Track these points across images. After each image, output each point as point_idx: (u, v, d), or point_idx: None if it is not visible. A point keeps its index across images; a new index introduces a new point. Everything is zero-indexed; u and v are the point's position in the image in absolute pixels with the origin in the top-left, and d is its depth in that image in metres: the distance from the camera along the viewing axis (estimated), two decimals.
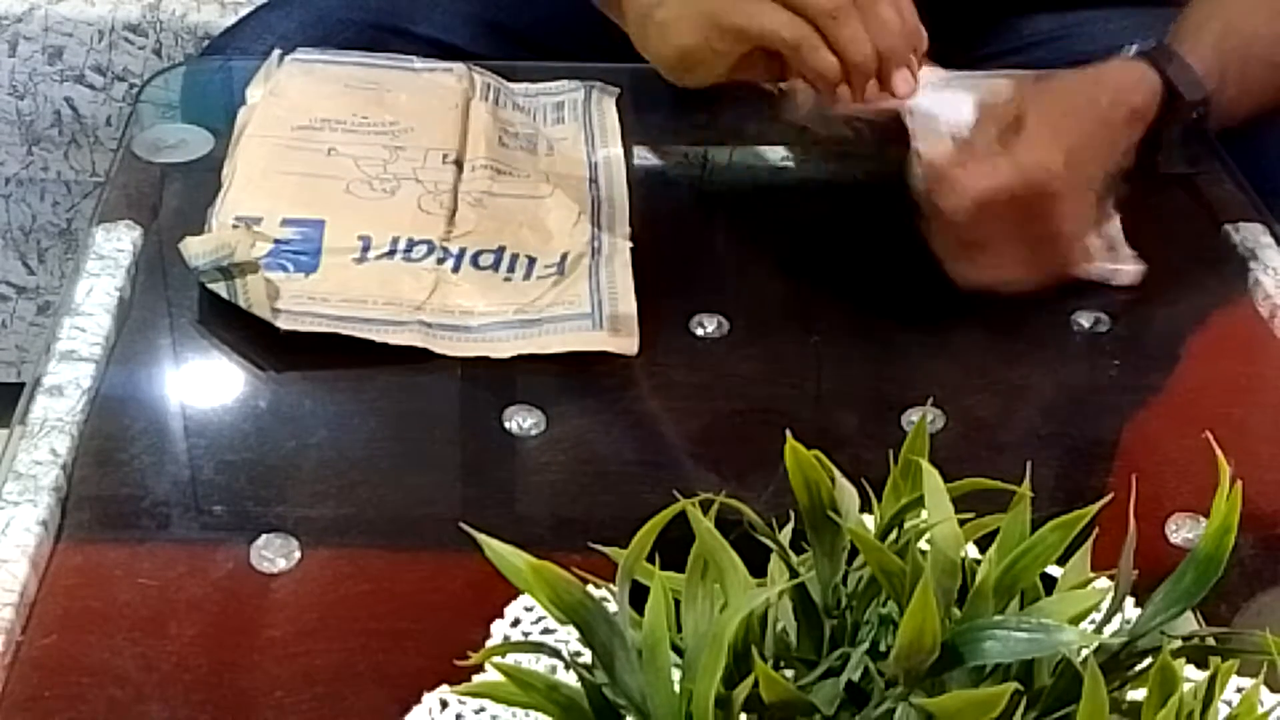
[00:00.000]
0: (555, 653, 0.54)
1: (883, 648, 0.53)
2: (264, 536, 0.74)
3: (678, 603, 0.52)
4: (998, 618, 0.51)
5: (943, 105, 0.92)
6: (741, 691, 0.49)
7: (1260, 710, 0.51)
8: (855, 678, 0.52)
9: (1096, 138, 0.93)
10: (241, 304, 0.86)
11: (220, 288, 0.87)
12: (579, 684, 0.52)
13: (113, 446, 0.80)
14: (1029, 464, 0.55)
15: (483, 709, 0.66)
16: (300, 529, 0.75)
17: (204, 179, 0.98)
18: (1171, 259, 0.99)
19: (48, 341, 0.85)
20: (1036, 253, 0.91)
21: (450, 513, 0.78)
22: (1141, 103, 0.96)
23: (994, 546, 0.54)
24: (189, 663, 0.68)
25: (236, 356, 0.86)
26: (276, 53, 1.08)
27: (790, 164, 1.04)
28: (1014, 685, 0.48)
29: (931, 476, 0.52)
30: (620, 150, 1.03)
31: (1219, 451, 0.54)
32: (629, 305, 0.89)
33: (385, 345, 0.86)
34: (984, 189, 0.88)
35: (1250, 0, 1.02)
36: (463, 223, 0.95)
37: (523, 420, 0.83)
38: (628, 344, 0.87)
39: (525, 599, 0.69)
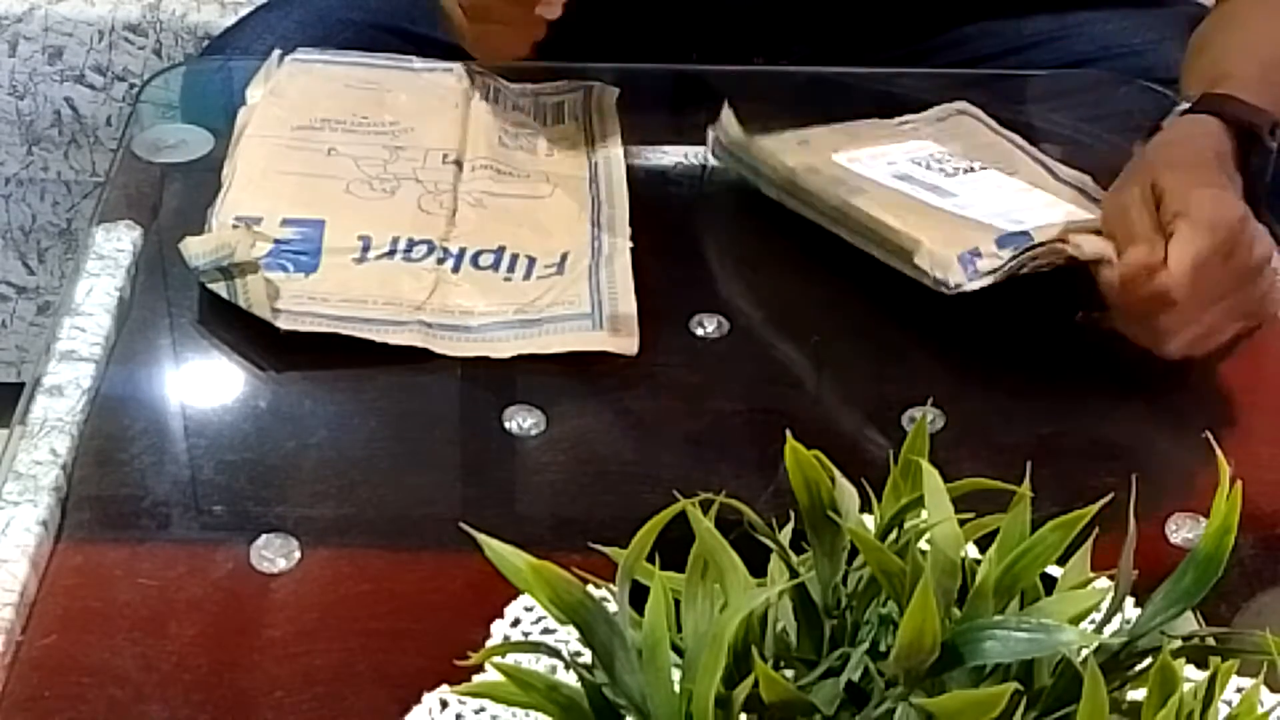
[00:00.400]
0: (555, 653, 0.54)
1: (883, 648, 0.53)
2: (264, 536, 0.74)
3: (678, 603, 0.52)
4: (998, 618, 0.51)
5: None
6: (741, 691, 0.49)
7: (1260, 710, 0.51)
8: (855, 678, 0.52)
9: (1222, 174, 0.90)
10: (241, 304, 0.86)
11: (220, 288, 0.87)
12: (579, 684, 0.52)
13: (113, 446, 0.80)
14: (1029, 464, 0.55)
15: (483, 709, 0.66)
16: (300, 529, 0.75)
17: (204, 179, 0.98)
18: None
19: (48, 341, 0.85)
20: (1245, 294, 0.87)
21: (450, 513, 0.78)
22: (1221, 145, 0.93)
23: (994, 546, 0.54)
24: (189, 663, 0.68)
25: (236, 356, 0.86)
26: (276, 53, 1.08)
27: None
28: (1014, 685, 0.48)
29: (931, 476, 0.52)
30: (620, 150, 1.03)
31: (1219, 451, 0.54)
32: (629, 305, 0.89)
33: (385, 345, 0.86)
34: (1193, 257, 0.83)
35: (1264, 26, 1.01)
36: (463, 223, 0.95)
37: (523, 420, 0.83)
38: (628, 344, 0.87)
39: (525, 599, 0.69)
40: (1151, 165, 0.91)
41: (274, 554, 0.74)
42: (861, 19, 1.19)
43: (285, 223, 0.93)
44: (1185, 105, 0.96)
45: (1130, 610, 0.55)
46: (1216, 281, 0.84)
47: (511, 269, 0.92)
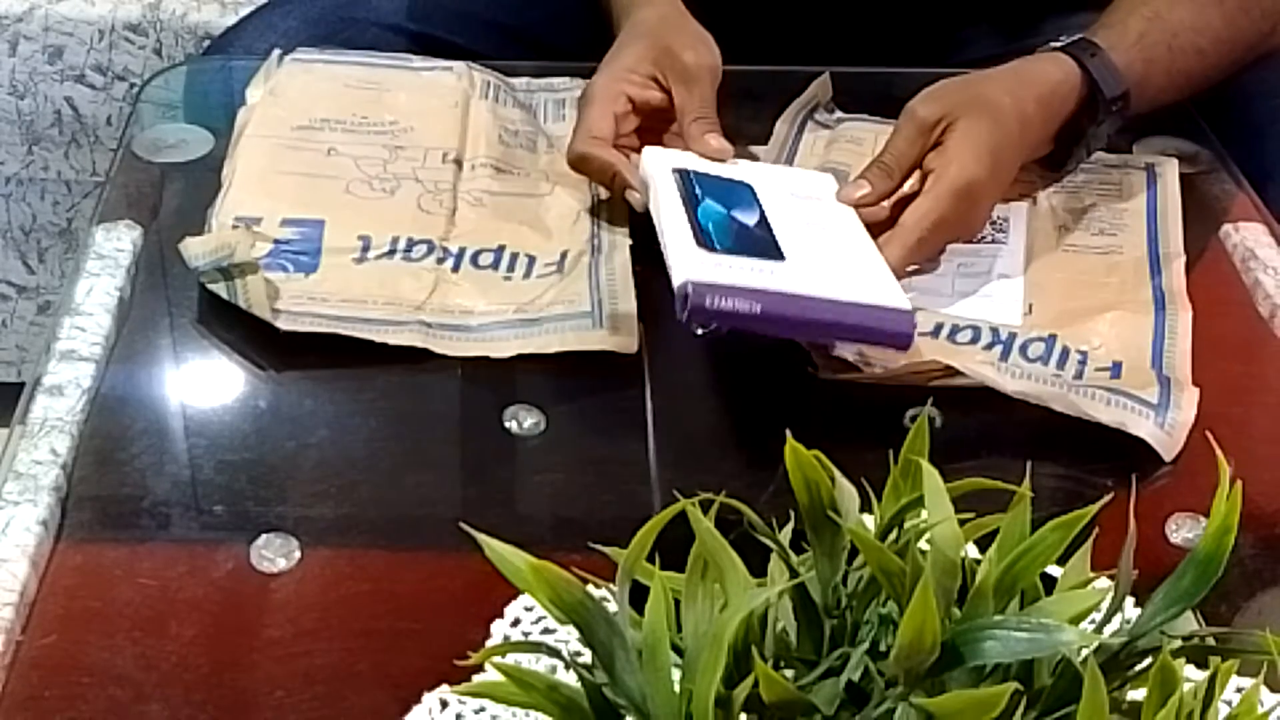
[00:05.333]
0: (555, 653, 0.54)
1: (883, 648, 0.53)
2: (264, 536, 0.74)
3: (678, 603, 0.52)
4: (998, 618, 0.51)
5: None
6: (741, 691, 0.49)
7: (1260, 710, 0.51)
8: (855, 678, 0.52)
9: (1015, 138, 0.96)
10: (241, 304, 0.86)
11: (220, 288, 0.87)
12: (579, 684, 0.52)
13: (113, 446, 0.80)
14: (1029, 464, 0.55)
15: (483, 709, 0.66)
16: (300, 529, 0.75)
17: (204, 179, 0.98)
18: None
19: (48, 341, 0.85)
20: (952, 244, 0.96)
21: (450, 513, 0.78)
22: (1061, 103, 0.99)
23: (994, 546, 0.54)
24: (189, 663, 0.68)
25: (236, 356, 0.86)
26: (276, 52, 1.08)
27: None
28: (1014, 685, 0.48)
29: (931, 476, 0.52)
30: None
31: (1219, 451, 0.54)
32: (629, 304, 0.89)
33: (385, 345, 0.86)
34: (928, 225, 0.91)
35: None
36: (463, 222, 0.95)
37: (523, 420, 0.83)
38: (628, 343, 0.87)
39: (525, 599, 0.69)
40: (965, 97, 0.96)
41: (274, 554, 0.74)
42: (863, 19, 1.19)
43: (285, 223, 0.93)
44: (1058, 43, 1.01)
45: (1130, 610, 0.55)
46: (937, 240, 0.93)
47: (511, 268, 0.92)
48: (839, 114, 1.07)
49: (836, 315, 0.83)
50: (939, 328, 0.89)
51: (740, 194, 0.91)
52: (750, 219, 0.89)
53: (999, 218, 0.98)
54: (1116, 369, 0.86)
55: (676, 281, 0.81)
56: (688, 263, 0.82)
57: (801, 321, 0.83)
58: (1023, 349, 0.87)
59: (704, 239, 0.85)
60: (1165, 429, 0.81)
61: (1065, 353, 0.87)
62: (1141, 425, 0.81)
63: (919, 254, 0.92)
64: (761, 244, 0.86)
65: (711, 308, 0.80)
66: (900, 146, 0.94)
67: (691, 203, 0.88)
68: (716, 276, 0.81)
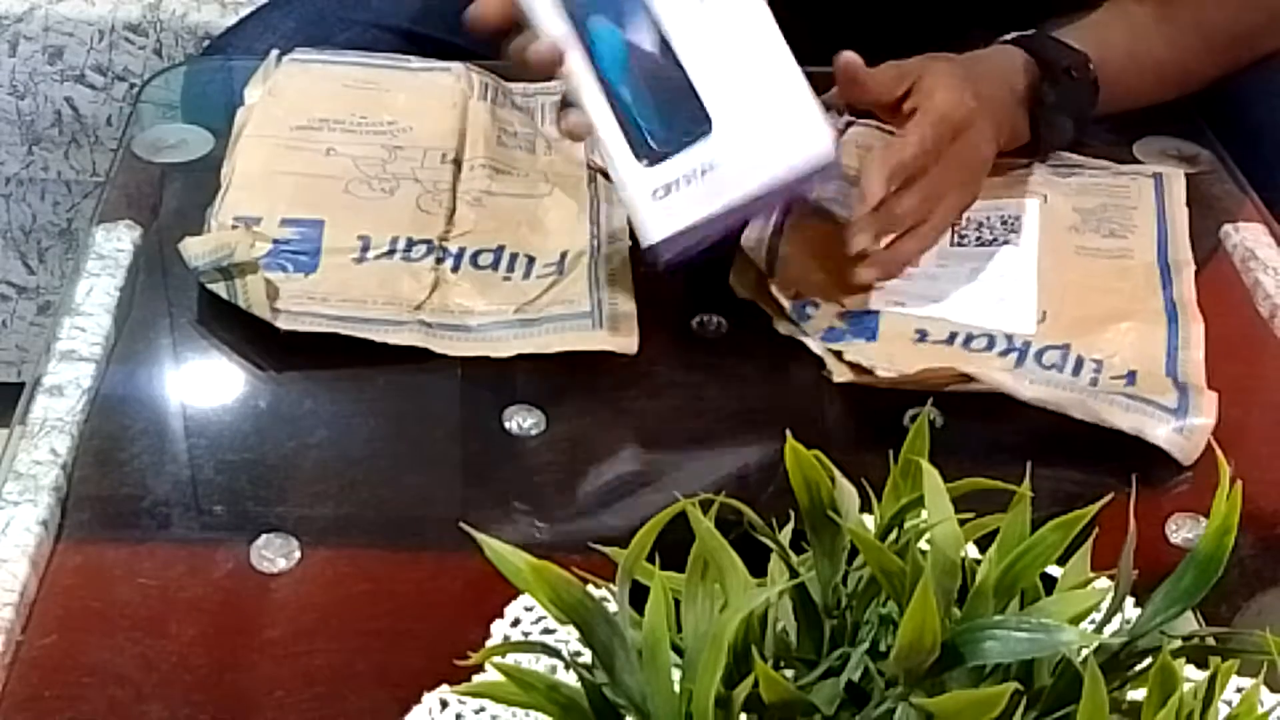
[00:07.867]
0: (555, 653, 0.54)
1: (883, 648, 0.53)
2: (264, 536, 0.74)
3: (678, 603, 0.52)
4: (998, 618, 0.51)
5: None
6: (741, 691, 0.49)
7: (1260, 710, 0.51)
8: (855, 678, 0.52)
9: (986, 80, 0.97)
10: (241, 304, 0.86)
11: (220, 288, 0.87)
12: (579, 684, 0.52)
13: (113, 446, 0.80)
14: (1029, 464, 0.55)
15: (483, 709, 0.66)
16: (300, 529, 0.75)
17: (204, 179, 0.98)
18: None
19: (48, 341, 0.85)
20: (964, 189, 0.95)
21: (450, 513, 0.78)
22: (1020, 83, 1.00)
23: (994, 546, 0.54)
24: (189, 663, 0.68)
25: (236, 356, 0.86)
26: (275, 53, 1.08)
27: None
28: (1014, 685, 0.48)
29: (931, 476, 0.52)
30: None
31: (1219, 451, 0.54)
32: (629, 304, 0.89)
33: (385, 345, 0.86)
34: (919, 137, 0.91)
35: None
36: (462, 222, 0.95)
37: (523, 420, 0.83)
38: (628, 343, 0.87)
39: (525, 599, 0.69)
40: (925, 71, 0.96)
41: (274, 554, 0.74)
42: (869, 23, 1.19)
43: (284, 223, 0.93)
44: (1008, 37, 1.03)
45: (1130, 610, 0.55)
46: (940, 169, 0.92)
47: (511, 268, 0.92)
48: (847, 117, 1.07)
49: (773, 193, 0.86)
50: (953, 336, 0.89)
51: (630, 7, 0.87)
52: (647, 43, 0.86)
53: (1010, 216, 0.98)
54: (1131, 377, 0.86)
55: (640, 230, 0.85)
56: (640, 205, 0.85)
57: (747, 214, 0.88)
58: (1038, 357, 0.87)
59: (635, 134, 0.85)
60: (1184, 434, 0.81)
61: (1080, 362, 0.87)
62: (1159, 431, 0.81)
63: (901, 176, 0.90)
64: (681, 103, 0.85)
65: (675, 255, 0.85)
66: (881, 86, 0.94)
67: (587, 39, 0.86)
68: (670, 223, 0.84)
